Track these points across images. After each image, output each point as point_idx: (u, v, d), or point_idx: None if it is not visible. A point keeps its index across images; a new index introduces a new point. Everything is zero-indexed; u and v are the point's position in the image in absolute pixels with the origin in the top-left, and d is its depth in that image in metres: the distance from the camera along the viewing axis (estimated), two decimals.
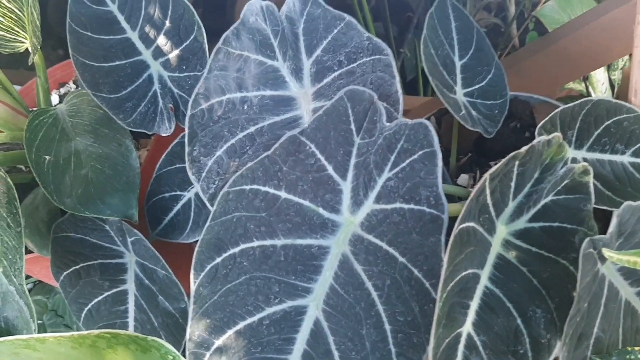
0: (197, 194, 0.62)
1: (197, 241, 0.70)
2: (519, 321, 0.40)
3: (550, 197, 0.43)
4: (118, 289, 0.65)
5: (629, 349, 0.42)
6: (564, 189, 0.42)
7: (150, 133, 0.60)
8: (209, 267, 0.43)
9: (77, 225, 0.62)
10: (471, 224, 0.39)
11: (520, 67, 0.66)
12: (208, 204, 0.52)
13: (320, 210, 0.42)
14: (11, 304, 0.59)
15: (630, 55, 0.65)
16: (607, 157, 0.50)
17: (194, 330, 0.42)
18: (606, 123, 0.50)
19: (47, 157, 0.60)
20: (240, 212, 0.43)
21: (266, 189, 0.43)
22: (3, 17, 0.64)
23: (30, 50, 0.67)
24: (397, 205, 0.40)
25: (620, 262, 0.34)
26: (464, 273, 0.38)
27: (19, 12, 0.64)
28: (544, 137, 0.41)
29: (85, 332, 0.53)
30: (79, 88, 0.77)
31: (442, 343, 0.37)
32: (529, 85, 0.65)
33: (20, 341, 0.50)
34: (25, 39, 0.66)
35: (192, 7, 0.58)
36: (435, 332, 0.36)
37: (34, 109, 0.68)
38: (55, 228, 0.63)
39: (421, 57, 0.52)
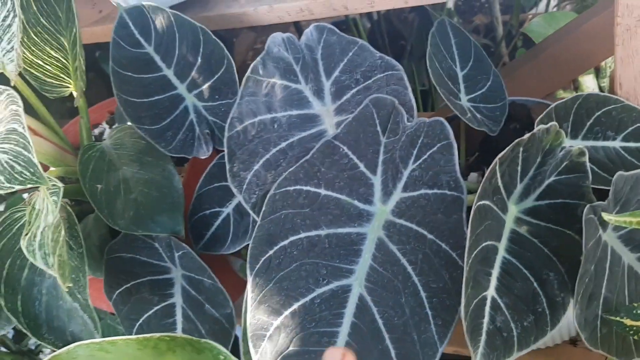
0: (235, 209, 0.68)
1: (236, 252, 0.76)
2: (535, 284, 0.46)
3: (552, 178, 0.49)
4: (166, 303, 0.71)
5: (635, 304, 0.48)
6: (564, 169, 0.49)
7: (189, 157, 0.67)
8: (262, 259, 0.49)
9: (128, 246, 0.69)
10: (487, 202, 0.45)
11: (515, 76, 0.74)
12: (250, 212, 0.58)
13: (356, 203, 0.49)
14: (76, 319, 0.65)
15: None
16: (600, 143, 0.57)
17: (254, 315, 0.48)
18: (597, 114, 0.57)
19: (99, 186, 0.67)
20: (287, 210, 0.49)
21: (308, 188, 0.50)
22: (51, 66, 0.72)
23: (75, 95, 0.75)
24: (422, 191, 0.47)
25: (617, 223, 0.41)
26: (484, 244, 0.45)
27: (64, 61, 0.72)
28: (543, 126, 0.48)
29: (148, 335, 0.59)
30: (115, 126, 0.85)
31: (471, 303, 0.43)
32: (524, 91, 0.72)
33: (94, 344, 0.56)
34: (70, 84, 0.74)
35: (221, 43, 0.66)
36: (465, 294, 0.42)
37: (83, 144, 0.75)
38: (108, 250, 0.70)
39: (428, 70, 0.59)
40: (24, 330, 0.65)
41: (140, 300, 0.71)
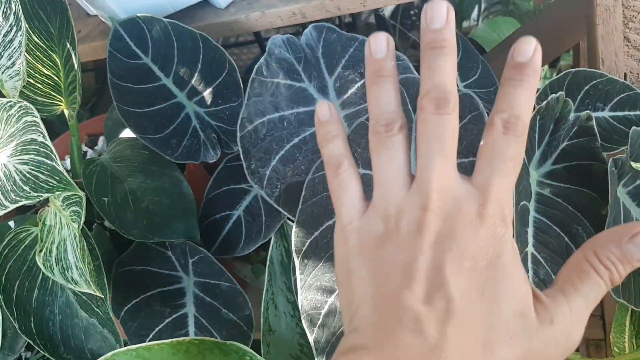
0: (245, 211, 0.69)
1: (244, 257, 0.77)
2: (566, 238, 0.50)
3: (565, 142, 0.53)
4: (178, 314, 0.70)
5: None
6: (575, 134, 0.53)
7: (197, 162, 0.67)
8: (309, 241, 0.50)
9: (139, 257, 0.68)
10: None
11: (492, 66, 0.79)
12: (275, 205, 0.59)
13: None
14: (94, 335, 0.63)
15: (578, 44, 0.79)
16: (592, 114, 0.62)
17: (306, 296, 0.50)
18: (585, 88, 0.62)
19: (106, 199, 0.66)
20: (327, 192, 0.51)
21: None
22: (42, 85, 0.70)
23: (66, 114, 0.73)
24: (459, 160, 0.50)
25: None
26: (521, 203, 0.48)
27: (55, 78, 0.71)
28: (554, 95, 0.52)
29: (180, 339, 0.59)
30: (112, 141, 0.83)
31: (520, 254, 0.46)
32: None
33: (131, 351, 0.55)
34: (61, 102, 0.72)
35: (222, 49, 0.67)
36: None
37: (74, 163, 0.74)
38: (117, 264, 0.69)
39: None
40: (42, 351, 0.63)
41: (150, 314, 0.70)
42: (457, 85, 0.66)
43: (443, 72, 0.34)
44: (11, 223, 0.82)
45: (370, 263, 0.35)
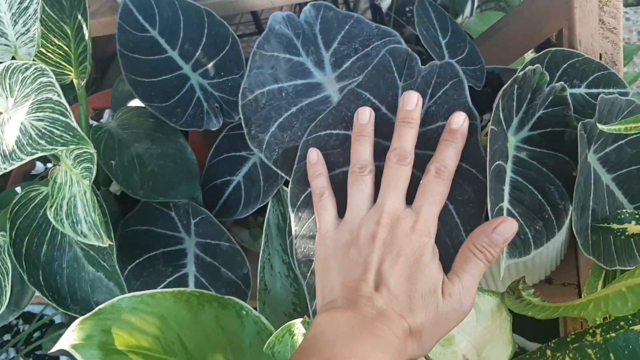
0: (245, 177, 0.74)
1: (243, 221, 0.81)
2: (539, 196, 0.55)
3: (541, 111, 0.58)
4: (180, 273, 0.74)
5: (619, 211, 0.57)
6: (550, 103, 0.58)
7: (200, 130, 0.71)
8: (303, 196, 0.55)
9: (144, 217, 0.72)
10: (495, 127, 0.53)
11: (481, 49, 0.84)
12: (273, 167, 0.64)
13: (381, 141, 0.56)
14: (100, 288, 0.67)
15: (561, 31, 0.84)
16: (569, 90, 0.66)
17: (300, 244, 0.54)
18: (563, 66, 0.67)
19: (113, 162, 0.71)
20: (321, 152, 0.56)
21: (337, 131, 0.57)
22: (53, 54, 0.75)
23: (76, 84, 0.78)
24: (440, 123, 0.54)
25: (609, 131, 0.50)
26: (497, 162, 0.53)
27: (66, 48, 0.75)
28: (531, 67, 0.57)
29: (182, 289, 0.63)
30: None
31: (493, 210, 0.51)
32: (489, 61, 0.82)
33: (136, 297, 0.59)
34: (71, 72, 0.77)
35: (226, 23, 0.72)
36: (490, 201, 0.50)
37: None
38: (123, 224, 0.73)
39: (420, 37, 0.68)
40: (50, 302, 0.67)
41: (153, 274, 0.75)
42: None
43: (406, 139, 0.53)
44: (18, 189, 0.86)
45: (340, 261, 0.51)
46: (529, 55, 0.94)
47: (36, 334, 1.21)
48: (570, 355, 0.42)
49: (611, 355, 0.40)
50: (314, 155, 0.57)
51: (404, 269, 0.48)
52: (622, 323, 0.41)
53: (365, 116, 0.56)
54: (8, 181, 0.91)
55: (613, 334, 0.40)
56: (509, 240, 0.49)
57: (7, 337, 1.21)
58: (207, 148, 0.76)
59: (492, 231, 0.48)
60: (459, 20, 1.59)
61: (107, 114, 0.92)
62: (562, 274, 0.83)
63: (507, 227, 0.49)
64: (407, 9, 1.73)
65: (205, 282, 0.73)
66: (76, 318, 0.57)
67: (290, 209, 0.56)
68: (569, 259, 0.85)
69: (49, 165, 0.93)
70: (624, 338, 0.40)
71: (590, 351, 0.41)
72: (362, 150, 0.55)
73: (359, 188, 0.53)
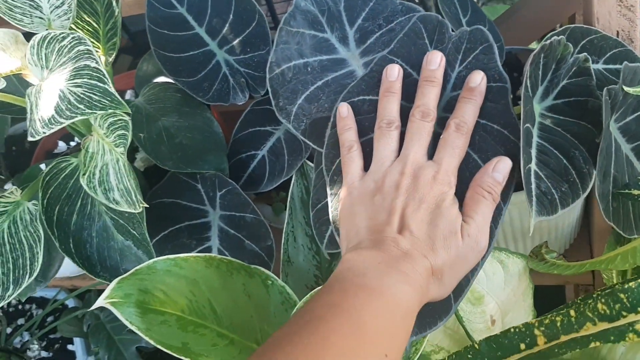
0: (269, 151, 0.75)
1: (267, 196, 0.82)
2: (564, 161, 0.57)
3: (565, 81, 0.60)
4: (204, 246, 0.76)
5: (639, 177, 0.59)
6: (574, 73, 0.60)
7: (227, 104, 0.73)
8: (337, 161, 0.57)
9: (171, 189, 0.74)
10: (525, 92, 0.55)
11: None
12: (301, 137, 0.65)
13: (412, 105, 0.58)
14: (128, 257, 0.69)
15: (573, 15, 0.86)
16: (588, 57, 0.68)
17: (333, 204, 0.56)
18: (582, 42, 0.69)
19: (142, 135, 0.72)
20: (355, 117, 0.58)
21: (370, 97, 0.59)
22: (82, 30, 0.76)
23: (103, 61, 0.79)
24: (467, 79, 0.56)
25: (635, 92, 0.52)
26: (526, 125, 0.54)
27: (95, 25, 0.77)
28: (556, 38, 0.59)
29: (212, 255, 0.65)
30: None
31: (524, 170, 0.53)
32: (507, 42, 0.84)
33: (170, 260, 0.61)
34: (99, 48, 0.78)
35: (253, 0, 0.73)
36: (522, 160, 0.52)
37: None
38: (150, 196, 0.74)
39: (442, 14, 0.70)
40: (81, 268, 0.68)
41: (178, 246, 0.76)
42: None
43: (429, 97, 0.56)
44: (42, 166, 0.87)
45: (366, 207, 0.53)
46: (533, 45, 0.97)
47: (49, 319, 1.22)
48: (602, 300, 0.44)
49: None
50: (344, 110, 0.59)
51: (426, 213, 0.51)
52: None
53: (394, 73, 0.58)
54: (32, 159, 0.92)
55: None
56: (507, 177, 0.53)
57: (21, 321, 1.22)
58: (229, 125, 0.78)
59: (492, 171, 0.53)
60: None
61: (128, 94, 0.94)
62: (576, 252, 0.85)
63: (504, 165, 0.53)
64: None
65: (229, 255, 0.75)
66: (92, 294, 0.59)
67: (325, 174, 0.58)
68: (582, 239, 0.87)
69: (72, 143, 0.95)
70: None
71: (622, 295, 0.43)
72: (390, 106, 0.57)
73: (385, 142, 0.56)
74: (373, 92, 0.59)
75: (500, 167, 0.53)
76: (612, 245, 0.70)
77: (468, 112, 0.54)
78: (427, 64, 0.57)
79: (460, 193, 0.53)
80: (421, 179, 0.52)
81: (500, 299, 0.60)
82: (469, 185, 0.53)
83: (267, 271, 0.67)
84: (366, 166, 0.57)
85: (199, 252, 0.76)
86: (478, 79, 0.55)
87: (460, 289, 0.53)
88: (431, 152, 0.55)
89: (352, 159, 0.57)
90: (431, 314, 0.52)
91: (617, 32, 0.70)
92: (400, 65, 0.59)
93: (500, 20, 0.89)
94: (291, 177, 0.74)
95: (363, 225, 0.52)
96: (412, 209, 0.51)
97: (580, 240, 0.87)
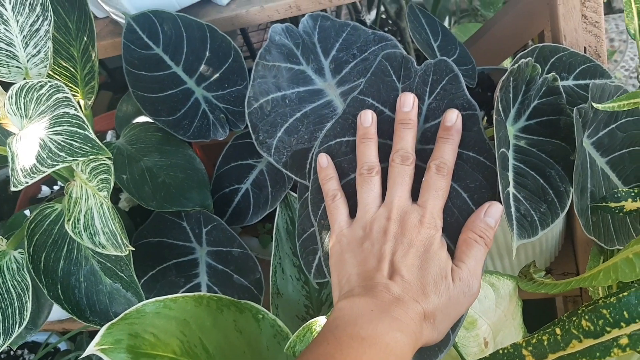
0: (252, 184, 0.76)
1: (252, 229, 0.83)
2: (541, 180, 0.58)
3: (536, 101, 0.61)
4: (192, 283, 0.76)
5: (615, 190, 0.60)
6: (544, 93, 0.61)
7: (207, 141, 0.74)
8: (322, 205, 0.58)
9: (156, 229, 0.74)
10: (497, 117, 0.57)
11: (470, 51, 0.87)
12: (283, 170, 0.66)
13: (389, 142, 0.59)
14: (118, 299, 0.69)
15: (542, 32, 0.88)
16: (557, 76, 0.70)
17: (326, 245, 0.57)
18: (551, 60, 0.70)
19: (124, 176, 0.73)
20: (334, 160, 0.59)
21: (347, 138, 0.60)
22: (60, 76, 0.77)
23: (82, 105, 0.80)
24: (442, 118, 0.57)
25: (604, 109, 0.53)
26: (501, 150, 0.56)
27: (73, 70, 0.77)
28: (523, 60, 0.60)
29: (201, 293, 0.65)
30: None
31: (503, 194, 0.54)
32: (479, 62, 0.86)
33: (159, 302, 0.61)
34: (77, 93, 0.79)
35: (228, 37, 0.75)
36: (501, 185, 0.53)
37: None
38: (136, 237, 0.74)
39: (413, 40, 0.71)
40: (70, 314, 0.68)
41: (166, 285, 0.76)
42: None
43: (406, 140, 0.57)
44: (27, 212, 0.87)
45: (355, 253, 0.54)
46: (507, 62, 0.99)
47: None
48: (586, 317, 0.45)
49: (625, 313, 0.43)
50: (324, 160, 0.60)
51: (415, 258, 0.52)
52: (633, 283, 0.44)
53: (367, 118, 0.59)
54: (16, 206, 0.92)
55: (625, 293, 0.42)
56: (499, 221, 0.54)
57: None
58: (212, 160, 0.79)
59: (485, 215, 0.54)
60: None
61: (109, 135, 0.94)
62: (562, 264, 0.86)
63: (495, 209, 0.54)
64: (390, 21, 1.77)
65: (218, 291, 0.75)
66: (84, 336, 0.59)
67: (312, 217, 0.59)
68: (566, 251, 0.89)
69: (55, 187, 0.95)
70: (636, 296, 0.42)
71: (605, 311, 0.44)
72: (368, 152, 0.58)
73: (368, 188, 0.56)
74: (348, 133, 0.60)
75: (492, 212, 0.54)
76: (595, 256, 0.71)
77: (447, 152, 0.55)
78: (400, 107, 0.58)
79: (453, 223, 0.55)
80: (408, 224, 0.53)
81: (492, 320, 0.61)
82: (452, 216, 0.54)
83: (257, 305, 0.67)
84: (351, 207, 0.58)
85: (188, 289, 0.76)
86: (453, 118, 0.56)
87: (457, 321, 0.53)
88: (415, 187, 0.56)
89: (337, 207, 0.58)
90: (432, 347, 0.53)
91: (585, 47, 0.72)
92: (372, 103, 0.60)
93: (472, 39, 0.91)
94: (276, 208, 0.75)
95: (354, 272, 0.53)
96: (402, 254, 0.52)
97: (565, 252, 0.88)
